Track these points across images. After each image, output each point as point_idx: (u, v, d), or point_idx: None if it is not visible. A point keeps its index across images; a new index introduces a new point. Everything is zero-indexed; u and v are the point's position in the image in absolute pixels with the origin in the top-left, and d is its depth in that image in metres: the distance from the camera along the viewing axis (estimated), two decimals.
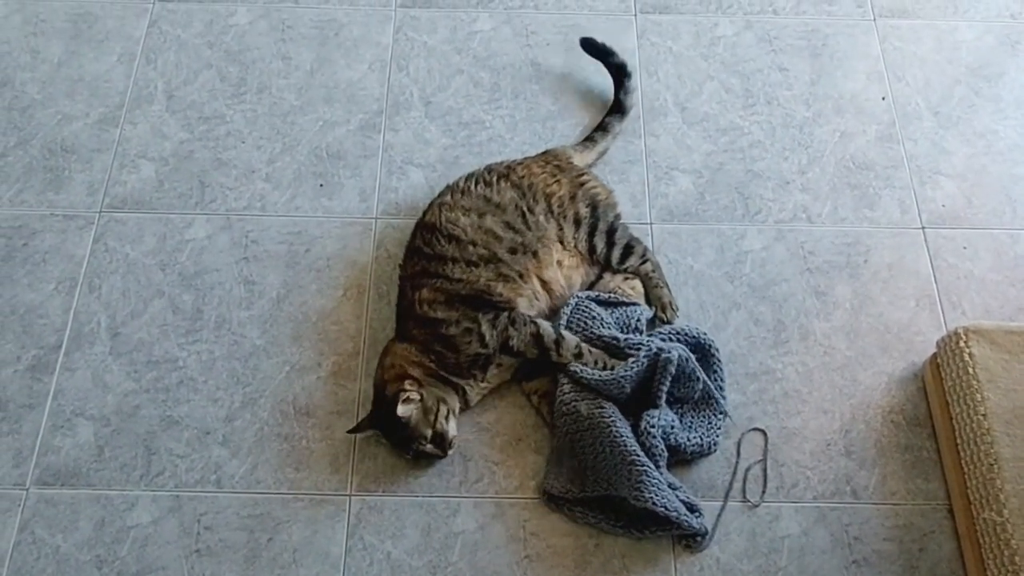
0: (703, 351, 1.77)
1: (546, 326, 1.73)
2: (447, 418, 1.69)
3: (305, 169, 2.07)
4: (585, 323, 1.76)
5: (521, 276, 1.78)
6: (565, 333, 1.73)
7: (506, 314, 1.73)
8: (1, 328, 1.86)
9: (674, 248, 1.97)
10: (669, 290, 1.87)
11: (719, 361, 1.77)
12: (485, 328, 1.71)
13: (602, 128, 2.06)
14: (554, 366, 1.73)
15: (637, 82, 2.20)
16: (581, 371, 1.68)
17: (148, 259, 1.95)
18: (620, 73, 2.10)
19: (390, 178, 2.06)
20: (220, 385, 1.81)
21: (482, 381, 1.75)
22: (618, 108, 2.08)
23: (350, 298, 1.91)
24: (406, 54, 2.24)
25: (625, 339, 1.71)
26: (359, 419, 1.76)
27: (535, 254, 1.79)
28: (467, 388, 1.75)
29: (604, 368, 1.70)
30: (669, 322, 1.84)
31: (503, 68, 2.22)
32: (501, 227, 1.80)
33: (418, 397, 1.67)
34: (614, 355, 1.71)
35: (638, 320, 1.78)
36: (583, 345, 1.72)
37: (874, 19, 2.31)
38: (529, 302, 1.78)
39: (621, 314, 1.80)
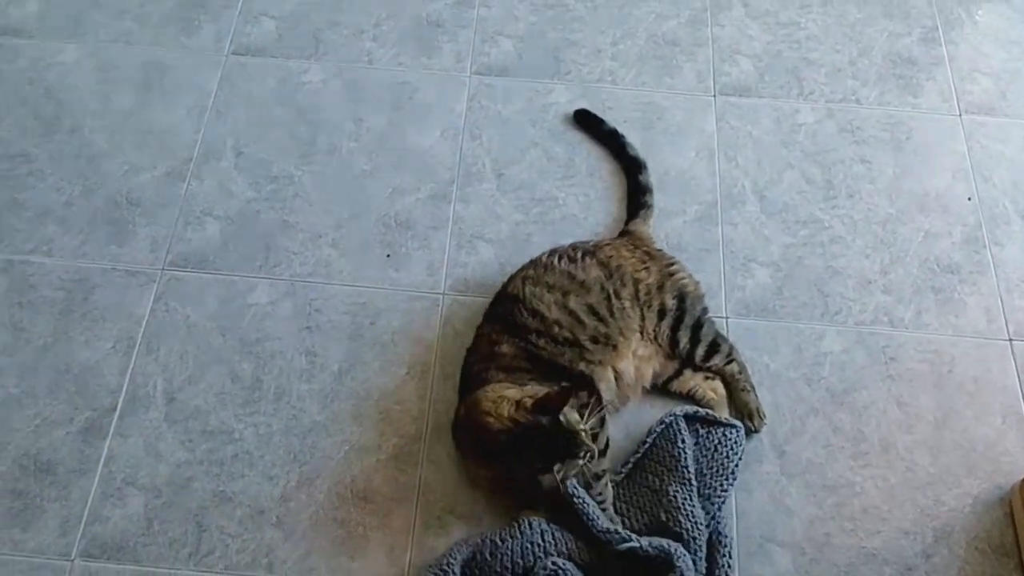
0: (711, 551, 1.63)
1: (605, 431, 1.66)
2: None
3: (373, 237, 2.02)
4: (663, 458, 1.67)
5: (601, 363, 1.71)
6: (608, 453, 1.66)
7: (584, 395, 1.65)
8: (55, 386, 1.81)
9: (750, 345, 1.90)
10: (756, 395, 1.79)
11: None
12: None
13: (648, 188, 2.03)
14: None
15: (715, 166, 2.14)
16: (583, 503, 1.58)
17: (209, 322, 1.90)
18: (615, 137, 2.11)
19: (459, 252, 2.01)
20: (276, 462, 1.75)
21: None
22: (638, 163, 2.06)
23: (414, 377, 1.84)
24: (480, 123, 2.20)
25: (649, 544, 1.55)
26: (418, 508, 1.69)
27: (615, 347, 1.73)
28: None
29: (600, 505, 1.61)
30: (756, 431, 1.77)
31: (578, 143, 2.17)
32: (585, 311, 1.73)
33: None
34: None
35: (727, 455, 1.68)
36: (608, 476, 1.64)
37: (960, 114, 2.25)
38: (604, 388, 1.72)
39: (712, 442, 1.70)
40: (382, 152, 2.15)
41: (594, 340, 1.72)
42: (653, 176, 2.10)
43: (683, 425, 1.71)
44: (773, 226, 2.06)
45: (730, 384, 1.80)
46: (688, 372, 1.79)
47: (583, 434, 1.54)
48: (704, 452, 1.70)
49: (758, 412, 1.77)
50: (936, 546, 1.70)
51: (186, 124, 2.17)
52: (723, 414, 1.77)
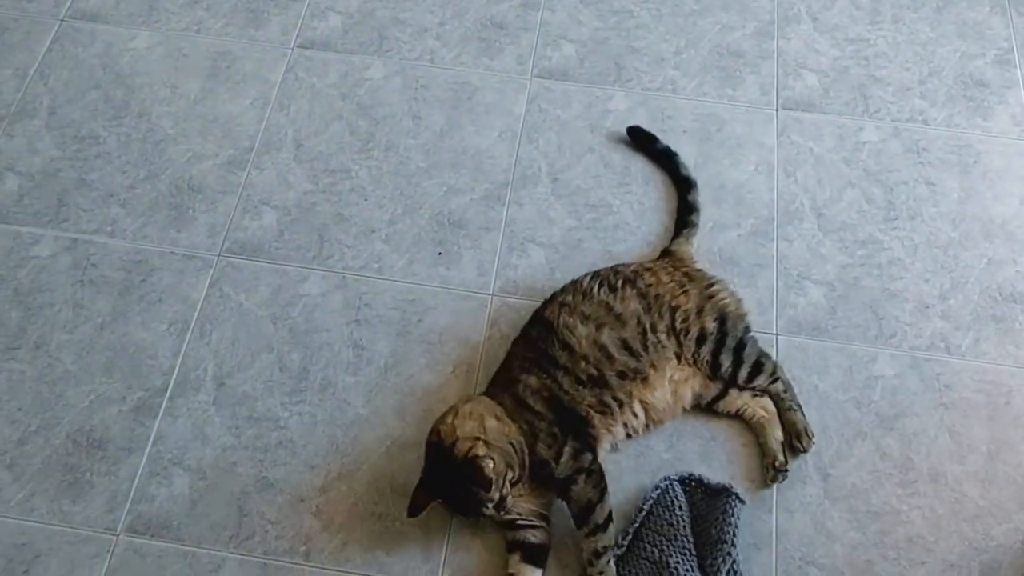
0: None
1: (606, 505, 1.62)
2: (510, 481, 1.59)
3: (425, 234, 2.04)
4: (661, 527, 1.63)
5: (621, 404, 1.69)
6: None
7: (590, 457, 1.65)
8: (111, 364, 1.86)
9: (799, 364, 1.87)
10: (803, 414, 1.76)
11: None
12: (566, 452, 1.64)
13: (695, 208, 2.00)
14: None
15: (774, 181, 2.12)
16: None
17: (261, 310, 1.93)
18: (668, 155, 2.08)
19: (510, 254, 2.01)
20: (319, 451, 1.77)
21: (520, 493, 1.64)
22: (689, 183, 2.03)
23: (459, 376, 1.85)
24: (538, 126, 2.20)
25: None
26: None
27: (644, 379, 1.71)
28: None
29: None
30: (805, 451, 1.74)
31: (635, 151, 2.16)
32: (617, 346, 1.71)
33: (492, 464, 1.55)
34: None
35: (723, 524, 1.62)
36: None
37: None
38: (615, 436, 1.71)
39: (707, 509, 1.66)
40: (439, 151, 2.16)
41: (621, 375, 1.69)
42: (709, 189, 2.08)
43: (679, 491, 1.67)
44: (830, 244, 2.03)
45: (776, 403, 1.77)
46: (734, 392, 1.76)
47: (489, 501, 1.56)
48: (700, 520, 1.66)
49: (806, 432, 1.74)
50: None
51: (250, 114, 2.21)
52: (775, 433, 1.74)
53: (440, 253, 2.01)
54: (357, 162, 2.14)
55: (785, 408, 1.76)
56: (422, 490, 1.61)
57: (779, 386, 1.77)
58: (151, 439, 1.78)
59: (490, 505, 1.57)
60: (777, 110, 2.23)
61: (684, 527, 1.63)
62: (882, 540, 1.69)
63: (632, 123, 2.17)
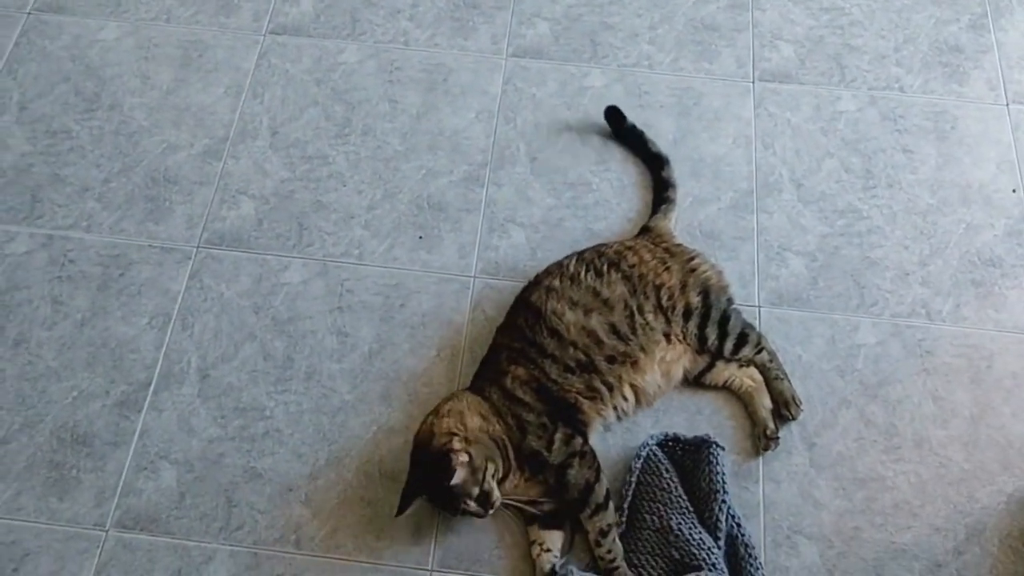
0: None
1: (603, 484, 1.63)
2: (494, 476, 1.59)
3: (405, 219, 2.03)
4: (654, 493, 1.64)
5: (611, 389, 1.69)
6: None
7: (580, 441, 1.65)
8: (93, 360, 1.85)
9: (782, 335, 1.88)
10: (789, 382, 1.77)
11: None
12: (558, 439, 1.64)
13: (671, 184, 1.99)
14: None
15: (752, 154, 2.11)
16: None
17: (242, 300, 1.92)
18: (635, 134, 2.06)
19: (491, 235, 2.00)
20: (306, 440, 1.77)
21: (516, 484, 1.65)
22: (661, 159, 2.02)
23: (443, 359, 1.85)
24: (514, 105, 2.19)
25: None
26: None
27: (635, 363, 1.71)
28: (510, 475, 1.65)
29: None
30: (794, 418, 1.75)
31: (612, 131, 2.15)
32: (605, 330, 1.71)
33: (467, 458, 1.56)
34: (655, 552, 1.61)
35: (710, 473, 1.64)
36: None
37: (1007, 104, 2.19)
38: (606, 419, 1.72)
39: (692, 463, 1.68)
40: (416, 133, 2.15)
41: (610, 360, 1.69)
42: (687, 163, 2.08)
43: (660, 454, 1.68)
44: (810, 215, 2.03)
45: (763, 373, 1.78)
46: (720, 364, 1.77)
47: (467, 496, 1.56)
48: (688, 476, 1.68)
49: (794, 400, 1.76)
50: (968, 543, 1.67)
51: (223, 103, 2.19)
52: (764, 401, 1.75)
53: (421, 237, 2.01)
54: (334, 148, 2.13)
55: (772, 377, 1.77)
56: (408, 489, 1.61)
57: (764, 356, 1.78)
58: (136, 433, 1.77)
59: (471, 501, 1.57)
60: (754, 82, 2.23)
61: (676, 487, 1.65)
62: (869, 507, 1.71)
63: (608, 99, 2.16)
